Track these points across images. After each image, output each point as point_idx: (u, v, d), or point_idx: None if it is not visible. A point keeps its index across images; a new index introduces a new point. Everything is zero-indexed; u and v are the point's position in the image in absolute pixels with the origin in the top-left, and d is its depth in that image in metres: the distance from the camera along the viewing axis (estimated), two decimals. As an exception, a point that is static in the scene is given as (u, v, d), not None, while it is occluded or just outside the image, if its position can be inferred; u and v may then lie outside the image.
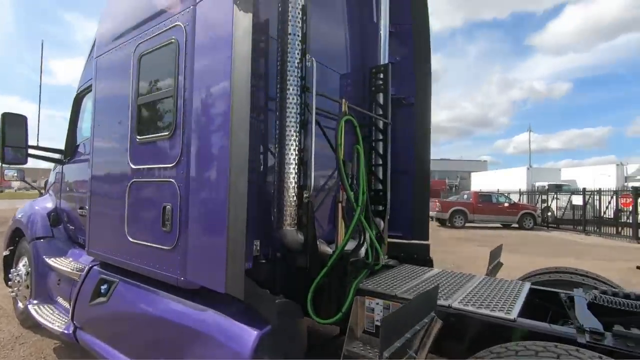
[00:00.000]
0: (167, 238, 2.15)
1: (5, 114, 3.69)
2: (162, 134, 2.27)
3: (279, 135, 2.32)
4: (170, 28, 2.25)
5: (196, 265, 1.97)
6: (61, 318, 3.32)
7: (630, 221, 14.05)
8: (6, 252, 4.58)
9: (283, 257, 2.46)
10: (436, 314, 1.83)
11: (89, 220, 2.98)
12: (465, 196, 19.31)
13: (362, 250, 2.58)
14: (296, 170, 2.30)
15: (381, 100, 3.52)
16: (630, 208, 14.13)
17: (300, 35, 2.34)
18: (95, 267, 2.99)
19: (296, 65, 2.32)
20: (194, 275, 1.99)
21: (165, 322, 2.21)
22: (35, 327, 3.82)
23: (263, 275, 2.39)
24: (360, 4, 3.63)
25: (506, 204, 18.27)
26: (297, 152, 2.30)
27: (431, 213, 18.84)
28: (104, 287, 2.78)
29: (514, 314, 1.81)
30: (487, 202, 18.19)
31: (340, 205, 2.43)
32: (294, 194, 2.30)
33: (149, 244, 2.31)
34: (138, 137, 2.47)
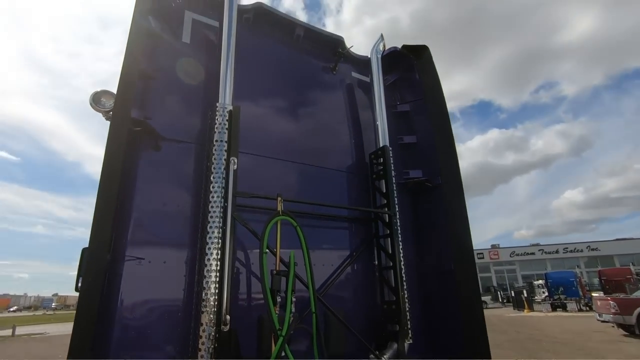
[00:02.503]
0: None
1: (85, 249, 4.48)
2: None
3: (199, 247, 2.05)
4: None
5: None
6: None
7: None
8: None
9: None
10: None
11: None
12: (658, 289, 13.74)
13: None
14: (214, 290, 1.92)
15: (384, 188, 2.96)
16: None
17: (225, 141, 2.22)
18: None
19: (221, 170, 2.16)
20: None
21: None
22: None
23: None
24: (345, 91, 3.44)
25: None
26: (216, 266, 1.96)
27: (606, 316, 13.87)
28: None
29: None
30: (700, 297, 12.47)
31: (272, 335, 1.86)
32: (210, 322, 1.87)
33: None
34: None
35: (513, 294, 31.00)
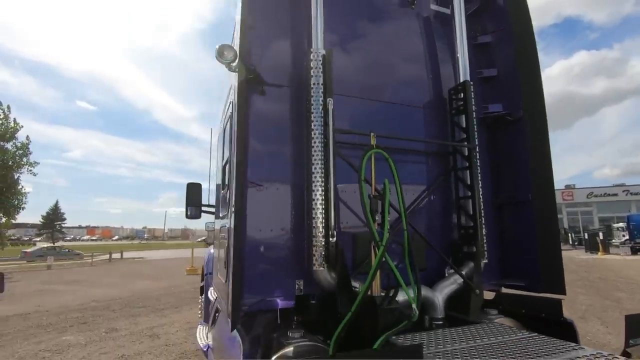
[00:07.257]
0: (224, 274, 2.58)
1: (189, 184, 5.29)
2: None
3: (306, 177, 2.46)
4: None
5: None
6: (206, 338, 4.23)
7: None
8: (201, 284, 6.24)
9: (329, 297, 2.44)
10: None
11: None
12: None
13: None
14: (322, 210, 2.34)
15: (463, 123, 3.06)
16: None
17: (322, 83, 2.49)
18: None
19: (320, 110, 2.46)
20: None
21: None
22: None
23: (311, 314, 2.45)
24: (424, 25, 3.40)
25: None
26: (321, 192, 2.36)
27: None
28: (217, 314, 3.45)
29: None
30: None
31: (372, 246, 2.25)
32: (320, 235, 2.32)
33: (220, 278, 2.81)
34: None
35: (586, 236, 29.27)
